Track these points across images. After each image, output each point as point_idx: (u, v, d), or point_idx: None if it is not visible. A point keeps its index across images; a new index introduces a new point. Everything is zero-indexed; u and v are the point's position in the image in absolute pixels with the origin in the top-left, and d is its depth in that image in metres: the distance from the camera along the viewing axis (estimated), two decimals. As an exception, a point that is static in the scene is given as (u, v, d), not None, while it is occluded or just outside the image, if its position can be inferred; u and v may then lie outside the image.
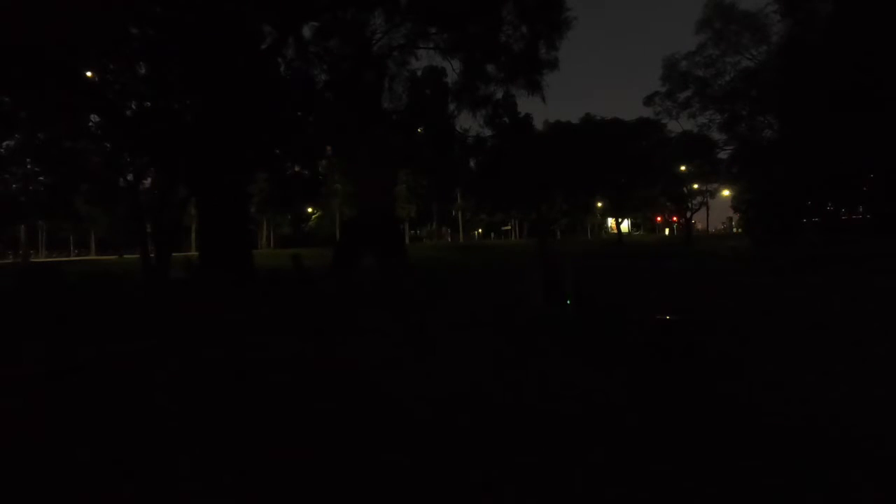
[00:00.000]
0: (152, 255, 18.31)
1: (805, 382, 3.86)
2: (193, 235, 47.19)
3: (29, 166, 22.48)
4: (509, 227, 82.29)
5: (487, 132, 21.87)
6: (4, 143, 19.76)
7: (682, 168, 42.54)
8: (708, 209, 75.87)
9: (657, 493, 2.14)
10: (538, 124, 49.43)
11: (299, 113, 16.53)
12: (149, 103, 14.74)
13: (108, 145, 18.31)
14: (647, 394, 3.68)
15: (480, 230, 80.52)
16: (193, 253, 23.06)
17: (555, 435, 2.79)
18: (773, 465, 2.45)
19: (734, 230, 75.77)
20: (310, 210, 60.84)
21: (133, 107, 15.21)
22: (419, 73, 20.00)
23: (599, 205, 69.64)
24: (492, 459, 2.45)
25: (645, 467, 2.38)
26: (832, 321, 6.25)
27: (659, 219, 79.96)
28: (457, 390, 3.60)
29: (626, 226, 72.24)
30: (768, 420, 3.10)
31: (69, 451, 2.65)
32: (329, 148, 19.94)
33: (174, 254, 18.87)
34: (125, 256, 39.94)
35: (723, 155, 35.55)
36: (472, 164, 40.93)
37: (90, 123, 16.76)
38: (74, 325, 6.91)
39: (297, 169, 22.31)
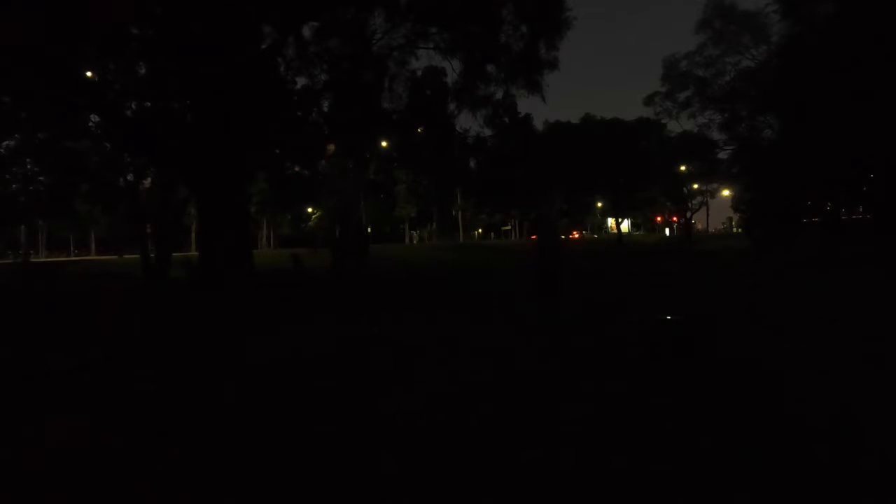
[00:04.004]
0: (152, 255, 18.30)
1: (806, 389, 3.85)
2: (193, 235, 47.08)
3: (29, 166, 22.40)
4: (509, 227, 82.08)
5: (487, 132, 21.74)
6: (4, 143, 19.70)
7: (682, 168, 42.40)
8: (708, 209, 75.78)
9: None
10: (538, 124, 49.22)
11: (299, 113, 16.49)
12: (149, 103, 14.70)
13: (108, 145, 18.26)
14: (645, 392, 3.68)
15: (480, 230, 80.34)
16: (193, 253, 23.02)
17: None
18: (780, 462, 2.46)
19: (734, 230, 75.69)
20: (310, 210, 60.70)
21: (133, 107, 15.17)
22: (419, 73, 19.92)
23: (599, 205, 69.53)
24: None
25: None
26: (832, 322, 6.24)
27: (659, 219, 79.78)
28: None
29: (626, 226, 72.10)
30: (769, 422, 3.10)
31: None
32: (331, 147, 19.89)
33: (174, 254, 18.85)
34: (125, 256, 39.87)
35: (723, 155, 35.44)
36: (472, 164, 40.74)
37: (90, 123, 16.71)
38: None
39: (296, 169, 22.25)
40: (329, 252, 9.70)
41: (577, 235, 68.39)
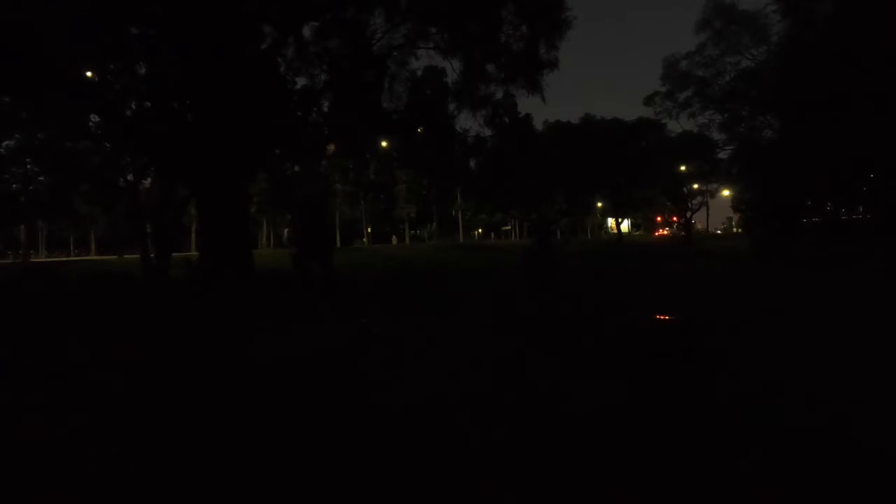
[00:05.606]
0: (152, 255, 18.28)
1: (804, 391, 3.85)
2: (193, 235, 47.12)
3: (29, 166, 22.44)
4: (509, 227, 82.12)
5: (487, 132, 21.76)
6: (4, 143, 19.73)
7: (682, 168, 42.42)
8: (708, 209, 75.80)
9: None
10: (538, 124, 49.31)
11: (299, 113, 16.48)
12: (149, 103, 14.69)
13: (108, 145, 18.26)
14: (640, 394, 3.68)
15: (480, 230, 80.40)
16: (193, 253, 23.02)
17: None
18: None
19: (734, 230, 75.71)
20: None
21: (133, 107, 15.16)
22: (419, 73, 19.93)
23: (599, 205, 69.61)
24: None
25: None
26: (832, 322, 6.25)
27: (659, 219, 79.83)
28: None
29: (626, 226, 72.16)
30: (771, 426, 3.11)
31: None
32: (331, 147, 19.88)
33: (174, 254, 18.83)
34: (125, 256, 39.89)
35: (723, 155, 35.48)
36: (472, 164, 40.83)
37: (90, 123, 16.70)
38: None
39: (296, 169, 22.26)
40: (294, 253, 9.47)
41: (665, 233, 69.69)
